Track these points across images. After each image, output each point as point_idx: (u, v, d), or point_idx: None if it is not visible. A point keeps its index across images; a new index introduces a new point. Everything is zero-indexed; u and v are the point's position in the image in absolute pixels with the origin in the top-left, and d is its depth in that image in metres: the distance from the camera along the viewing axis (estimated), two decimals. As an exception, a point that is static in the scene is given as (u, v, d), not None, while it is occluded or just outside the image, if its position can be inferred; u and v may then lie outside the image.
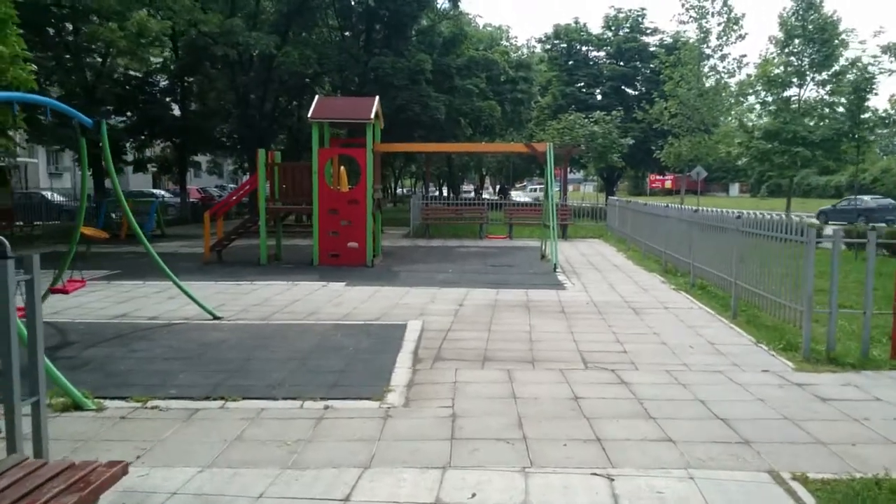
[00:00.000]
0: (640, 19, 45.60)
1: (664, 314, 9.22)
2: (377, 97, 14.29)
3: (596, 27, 49.85)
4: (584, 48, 46.23)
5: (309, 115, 13.74)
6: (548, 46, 46.65)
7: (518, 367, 6.46)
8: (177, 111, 30.01)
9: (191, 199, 32.77)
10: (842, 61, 24.88)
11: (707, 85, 30.31)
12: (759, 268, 8.67)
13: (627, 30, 45.36)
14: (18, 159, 44.62)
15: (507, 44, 36.99)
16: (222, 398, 5.48)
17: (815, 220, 25.77)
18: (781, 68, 26.13)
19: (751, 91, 27.08)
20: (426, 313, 9.14)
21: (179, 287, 8.87)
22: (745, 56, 64.16)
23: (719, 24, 29.02)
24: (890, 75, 24.46)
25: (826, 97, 25.48)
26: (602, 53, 46.31)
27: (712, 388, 5.84)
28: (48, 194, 32.51)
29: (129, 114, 28.67)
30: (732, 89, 29.34)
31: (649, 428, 4.87)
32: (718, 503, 3.77)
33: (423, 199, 23.89)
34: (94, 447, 4.51)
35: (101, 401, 5.40)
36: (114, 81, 27.07)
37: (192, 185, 48.70)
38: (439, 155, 36.92)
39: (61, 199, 30.98)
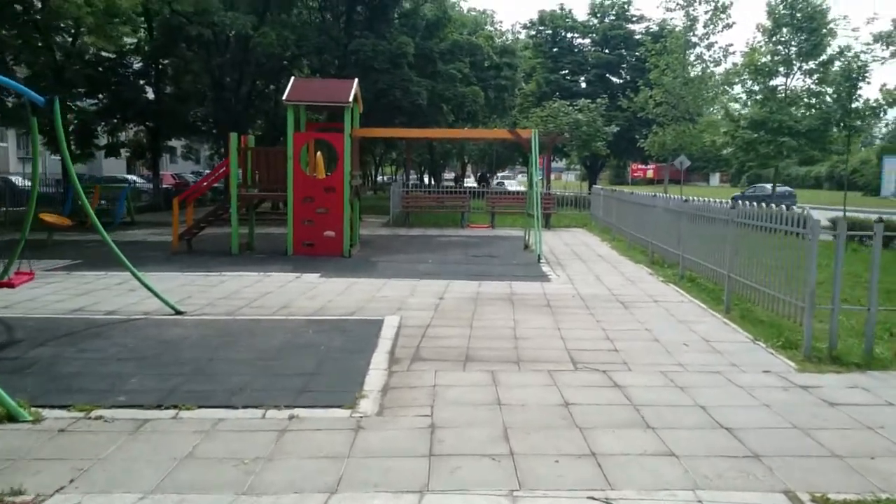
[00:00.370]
0: (626, 6, 45.16)
1: (654, 308, 8.79)
2: (356, 80, 13.68)
3: (582, 14, 49.41)
4: (569, 35, 45.73)
5: (284, 97, 13.10)
6: (532, 33, 46.07)
7: (503, 369, 5.98)
8: (151, 94, 29.11)
9: (164, 186, 31.89)
10: (830, 50, 24.54)
11: (693, 74, 29.96)
12: (754, 260, 8.27)
13: (613, 17, 44.90)
14: (-14, 144, 43.50)
15: (492, 29, 36.39)
16: (176, 406, 4.94)
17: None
18: (768, 57, 25.76)
19: (737, 80, 26.70)
20: (405, 307, 8.64)
21: (139, 279, 8.28)
22: (731, 45, 63.98)
23: (706, 13, 28.66)
24: (883, 63, 24.15)
25: (813, 86, 25.16)
26: (587, 41, 45.85)
27: (712, 392, 5.41)
28: (16, 179, 31.44)
29: (100, 96, 27.73)
30: (718, 78, 29.00)
31: (648, 440, 4.41)
32: (732, 534, 3.32)
33: (404, 186, 23.31)
34: (21, 468, 3.96)
35: (40, 410, 4.84)
36: (85, 62, 26.09)
37: (168, 170, 47.72)
38: (421, 142, 36.28)
39: (29, 184, 29.89)
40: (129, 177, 40.02)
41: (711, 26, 29.35)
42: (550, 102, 33.04)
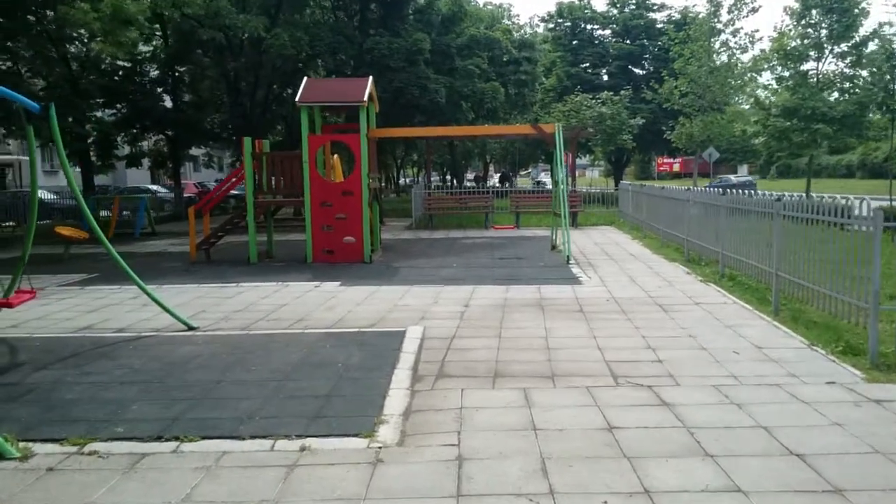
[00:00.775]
0: (646, -5, 44.18)
1: (696, 311, 8.18)
2: (370, 77, 13.21)
3: (601, 4, 48.44)
4: (588, 27, 44.88)
5: (297, 98, 12.67)
6: (551, 26, 45.30)
7: (536, 385, 5.44)
8: (169, 103, 28.99)
9: (187, 195, 31.77)
10: (863, 31, 23.58)
11: (718, 62, 29.07)
12: (805, 256, 7.62)
13: (633, 6, 43.94)
14: (11, 157, 43.88)
15: (510, 23, 35.67)
16: (177, 438, 4.48)
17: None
18: (798, 41, 24.83)
19: (766, 66, 25.78)
20: (428, 317, 8.13)
21: (149, 295, 7.88)
22: (757, 30, 62.34)
23: (730, -3, 27.75)
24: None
25: (847, 70, 24.20)
26: (607, 32, 44.96)
27: (774, 410, 4.81)
28: (40, 192, 31.48)
29: (118, 106, 27.67)
30: (745, 65, 28.08)
31: (709, 472, 3.84)
32: None
33: (426, 188, 22.82)
34: (-2, 518, 3.52)
35: (30, 445, 4.41)
36: (100, 72, 26.03)
37: (192, 179, 47.77)
38: (441, 141, 35.77)
39: (52, 197, 29.97)
40: (152, 187, 40.10)
41: (736, 12, 28.48)
42: (572, 96, 32.31)
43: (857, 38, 23.56)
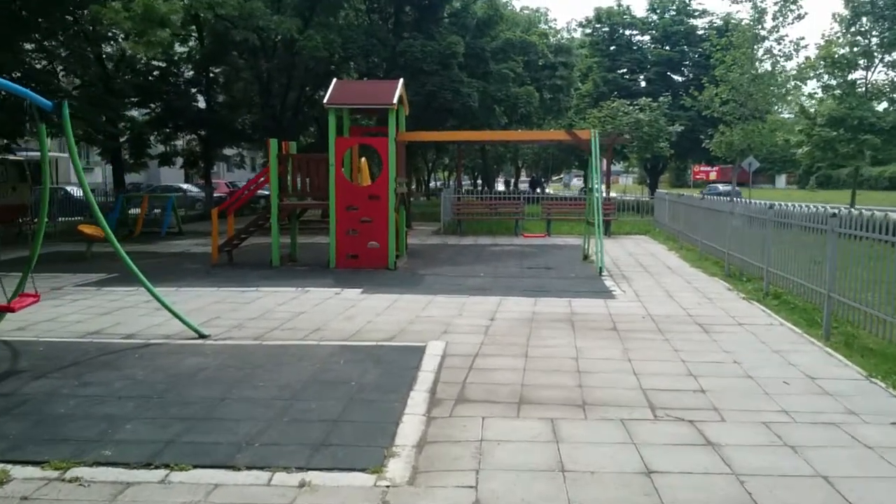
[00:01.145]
0: (687, 0, 43.17)
1: (740, 333, 7.59)
2: (401, 80, 12.82)
3: (640, 10, 47.49)
4: (627, 32, 43.99)
5: (325, 100, 12.34)
6: (588, 31, 44.52)
7: (565, 415, 4.94)
8: (202, 103, 29.06)
9: (217, 194, 31.80)
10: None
11: (761, 69, 28.13)
12: (859, 276, 7.00)
13: (674, 12, 42.96)
14: (49, 154, 44.60)
15: (546, 27, 35.08)
16: (168, 466, 4.08)
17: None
18: (846, 48, 23.86)
19: (812, 74, 24.82)
20: (451, 330, 7.67)
21: (158, 299, 7.55)
22: (803, 38, 60.56)
23: (776, 3, 26.79)
24: None
25: (897, 79, 23.20)
26: (646, 38, 44.01)
27: (834, 455, 4.25)
28: (71, 189, 31.84)
29: (152, 105, 27.80)
30: (790, 73, 27.12)
31: (764, 533, 3.31)
32: None
33: (455, 193, 22.39)
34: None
35: (8, 468, 4.06)
36: (135, 72, 26.16)
37: (224, 178, 48.03)
38: (472, 145, 35.30)
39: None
40: (184, 186, 40.36)
41: (781, 18, 27.52)
42: (609, 102, 31.60)
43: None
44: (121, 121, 25.20)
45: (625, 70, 42.61)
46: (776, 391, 5.51)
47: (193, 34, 27.38)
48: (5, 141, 22.12)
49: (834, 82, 24.25)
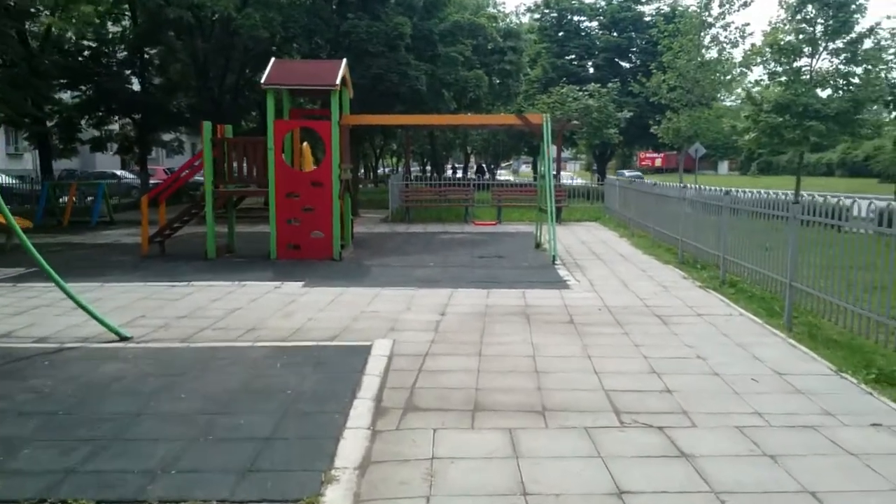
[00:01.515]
0: (634, -13, 43.32)
1: (700, 324, 7.29)
2: (344, 60, 12.14)
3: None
4: (575, 18, 43.93)
5: (262, 80, 11.58)
6: (537, 16, 44.29)
7: (524, 424, 4.49)
8: (137, 86, 27.60)
9: (154, 181, 30.37)
10: (858, 28, 22.89)
11: (708, 56, 28.33)
12: (819, 263, 6.79)
13: (621, -2, 43.10)
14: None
15: (495, 11, 34.61)
16: (64, 503, 3.46)
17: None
18: (792, 36, 24.07)
19: (758, 60, 25.00)
20: (399, 327, 7.15)
21: (71, 297, 6.80)
22: (748, 25, 61.60)
23: (723, -10, 26.95)
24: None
25: (841, 67, 23.48)
26: (595, 24, 44.06)
27: (817, 465, 3.91)
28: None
29: (83, 88, 26.25)
30: (736, 60, 27.38)
31: (755, 566, 2.91)
32: None
33: (403, 179, 21.78)
34: None
35: None
36: (63, 52, 24.61)
37: (164, 164, 46.15)
38: (421, 132, 34.66)
39: (12, 181, 28.45)
40: (119, 172, 38.54)
41: (728, 6, 27.74)
42: (558, 88, 31.38)
43: (854, 35, 22.86)
44: (47, 103, 23.70)
45: (573, 56, 42.58)
46: (745, 390, 5.18)
47: (127, 13, 25.94)
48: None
49: (780, 69, 24.46)
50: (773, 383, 5.36)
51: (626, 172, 49.09)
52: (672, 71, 28.08)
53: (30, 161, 44.76)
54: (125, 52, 26.70)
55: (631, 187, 17.01)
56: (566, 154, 66.10)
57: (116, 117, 28.66)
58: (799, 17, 23.62)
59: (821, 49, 23.55)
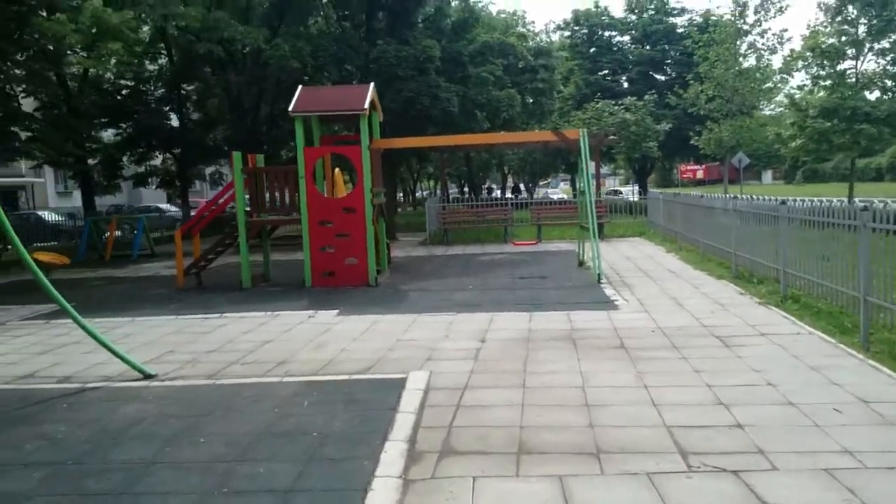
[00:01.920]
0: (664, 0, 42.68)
1: (766, 345, 6.64)
2: (371, 84, 11.89)
3: (618, 10, 46.95)
4: (606, 33, 43.43)
5: (290, 108, 11.37)
6: (567, 33, 43.91)
7: (576, 470, 3.96)
8: (175, 121, 28.03)
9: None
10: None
11: (746, 64, 27.48)
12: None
13: (652, 11, 42.45)
14: (24, 179, 43.27)
15: (525, 30, 34.33)
16: (56, 574, 3.07)
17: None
18: (834, 38, 23.17)
19: (800, 65, 24.10)
20: (436, 356, 6.69)
21: (92, 335, 6.53)
22: (786, 30, 60.20)
23: (756, -3, 26.15)
24: None
25: (889, 67, 22.47)
26: (626, 38, 43.49)
27: (928, 513, 3.29)
28: (45, 214, 30.68)
29: (123, 125, 26.73)
30: (775, 67, 26.48)
31: None
32: None
33: (441, 201, 21.43)
34: None
35: None
36: (102, 92, 25.11)
37: (207, 196, 46.94)
38: (456, 153, 34.37)
39: (59, 219, 29.06)
40: (163, 205, 39.20)
41: (763, 12, 26.91)
42: (593, 103, 30.82)
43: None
44: (89, 142, 24.12)
45: (606, 71, 42.02)
46: (828, 422, 4.56)
47: (163, 51, 26.43)
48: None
49: (823, 73, 23.53)
50: (860, 413, 4.72)
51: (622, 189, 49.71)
52: (709, 81, 27.30)
53: (79, 199, 46.00)
54: (163, 90, 27.20)
55: (676, 200, 16.32)
56: (605, 169, 65.18)
57: (157, 153, 29.13)
58: (840, 18, 22.74)
59: (865, 50, 22.59)
